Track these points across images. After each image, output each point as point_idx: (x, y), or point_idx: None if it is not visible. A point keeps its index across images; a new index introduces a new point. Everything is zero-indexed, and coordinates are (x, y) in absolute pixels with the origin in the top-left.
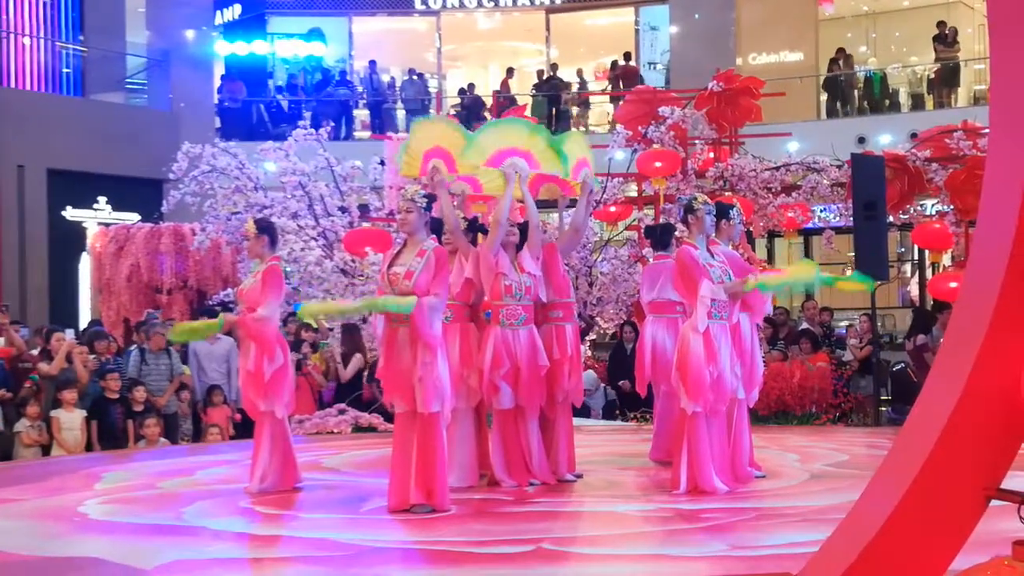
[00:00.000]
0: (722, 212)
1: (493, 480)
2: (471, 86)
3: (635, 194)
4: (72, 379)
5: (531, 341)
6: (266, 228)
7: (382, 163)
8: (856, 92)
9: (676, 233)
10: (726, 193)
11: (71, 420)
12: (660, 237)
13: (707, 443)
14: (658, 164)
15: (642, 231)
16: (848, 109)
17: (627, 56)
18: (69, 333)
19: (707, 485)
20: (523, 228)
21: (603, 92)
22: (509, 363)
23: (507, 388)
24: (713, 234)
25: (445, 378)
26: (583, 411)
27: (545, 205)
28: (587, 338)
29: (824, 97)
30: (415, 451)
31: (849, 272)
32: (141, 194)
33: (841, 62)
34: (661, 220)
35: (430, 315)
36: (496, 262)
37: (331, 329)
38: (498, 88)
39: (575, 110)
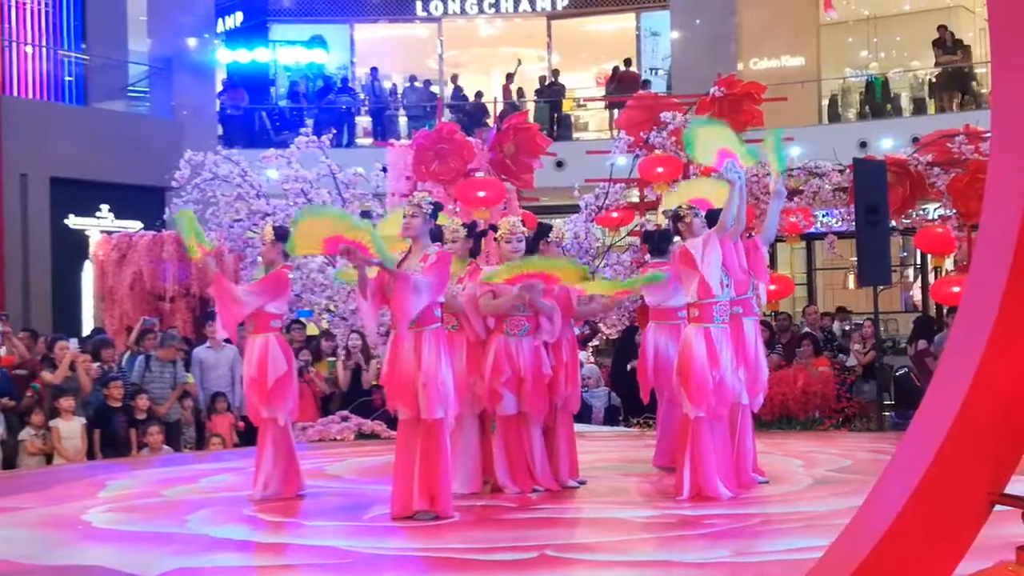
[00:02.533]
0: (714, 218)
1: (496, 487)
2: (479, 94)
3: (637, 200)
4: (73, 388)
5: (535, 350)
6: (284, 236)
7: (384, 170)
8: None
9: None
10: None
11: (70, 429)
12: (658, 243)
13: (711, 448)
14: (660, 169)
15: (641, 236)
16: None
17: (627, 62)
18: (72, 343)
19: (711, 491)
20: (531, 239)
21: (604, 98)
22: (510, 371)
23: (510, 395)
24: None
25: (449, 384)
26: (584, 410)
27: (547, 211)
28: (589, 344)
29: (826, 102)
30: (418, 457)
31: (851, 277)
32: (144, 202)
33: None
34: (663, 225)
35: (412, 290)
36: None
37: (334, 336)
38: (500, 94)
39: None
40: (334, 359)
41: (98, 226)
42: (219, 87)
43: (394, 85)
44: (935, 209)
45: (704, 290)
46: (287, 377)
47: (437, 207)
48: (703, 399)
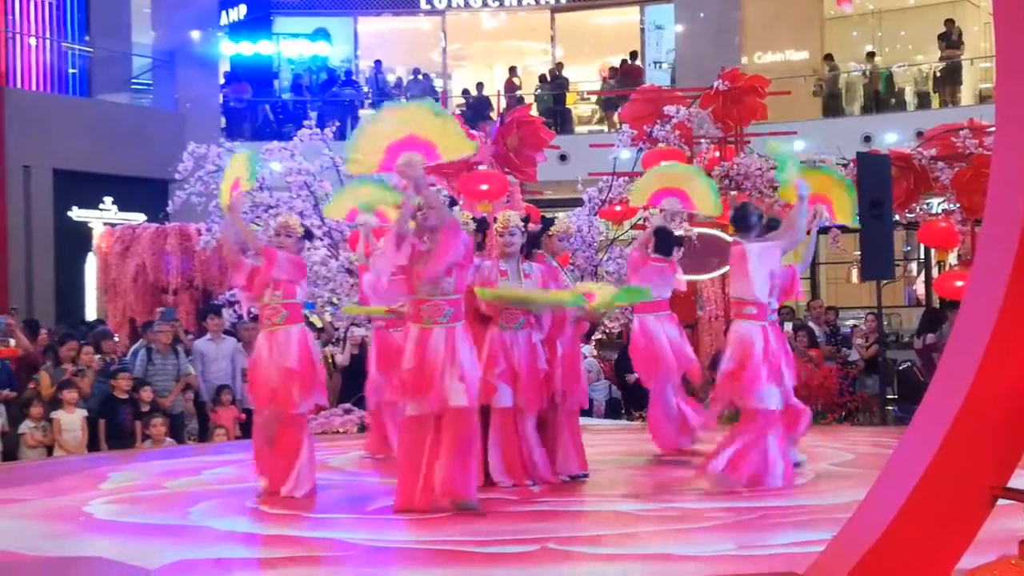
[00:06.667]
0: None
1: (490, 480)
2: (479, 85)
3: None
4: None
5: (529, 344)
6: (305, 235)
7: None
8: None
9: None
10: (731, 192)
11: (71, 421)
12: (661, 243)
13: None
14: (663, 163)
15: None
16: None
17: (633, 55)
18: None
19: (770, 480)
20: (536, 233)
21: (609, 92)
22: (505, 364)
23: (505, 387)
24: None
25: (476, 375)
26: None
27: (550, 204)
28: (592, 337)
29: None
30: (445, 448)
31: (855, 271)
32: (147, 194)
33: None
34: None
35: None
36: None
37: (336, 329)
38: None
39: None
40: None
41: (101, 218)
42: (222, 80)
43: (398, 78)
44: (939, 203)
45: (761, 292)
46: (319, 368)
47: (451, 202)
48: (761, 391)
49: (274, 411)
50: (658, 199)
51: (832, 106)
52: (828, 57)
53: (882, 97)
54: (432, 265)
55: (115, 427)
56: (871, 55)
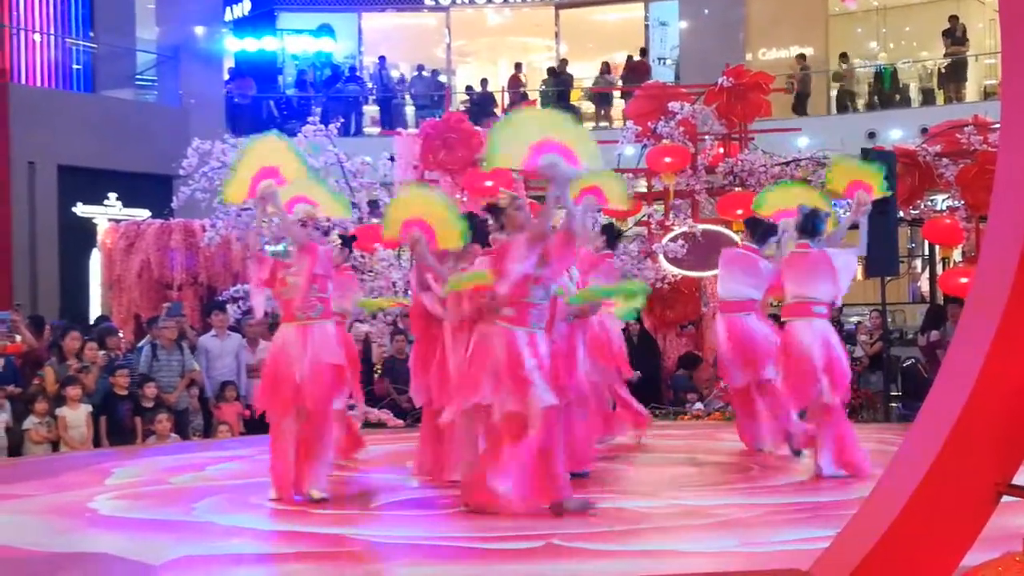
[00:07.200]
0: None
1: None
2: (483, 82)
3: (644, 190)
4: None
5: None
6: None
7: (391, 159)
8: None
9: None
10: (736, 189)
11: (76, 417)
12: (608, 239)
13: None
14: (668, 159)
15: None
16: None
17: (643, 52)
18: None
19: (865, 468)
20: None
21: (613, 88)
22: None
23: None
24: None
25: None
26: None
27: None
28: None
29: (834, 92)
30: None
31: (859, 268)
32: (151, 190)
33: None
34: (671, 215)
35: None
36: None
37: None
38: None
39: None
40: None
41: (106, 214)
42: (227, 75)
43: (402, 74)
44: (943, 200)
45: (839, 294)
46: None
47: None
48: (842, 387)
49: (309, 407)
50: (580, 196)
51: (801, 107)
52: (800, 57)
53: (887, 93)
54: (554, 270)
55: (115, 423)
56: (844, 56)
